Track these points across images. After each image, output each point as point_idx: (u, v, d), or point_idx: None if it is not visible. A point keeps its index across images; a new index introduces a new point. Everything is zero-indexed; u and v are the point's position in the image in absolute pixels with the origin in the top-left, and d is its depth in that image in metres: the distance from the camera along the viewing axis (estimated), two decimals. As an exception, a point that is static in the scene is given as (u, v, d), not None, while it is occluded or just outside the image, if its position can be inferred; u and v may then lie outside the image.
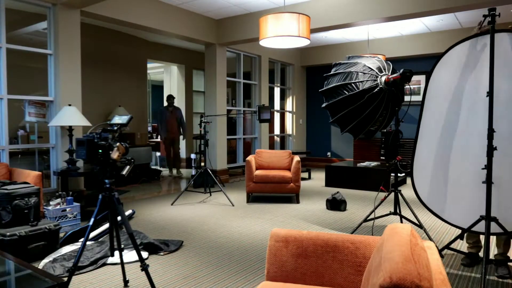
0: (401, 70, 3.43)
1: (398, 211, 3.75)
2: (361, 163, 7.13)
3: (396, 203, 3.75)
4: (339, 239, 1.82)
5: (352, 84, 3.64)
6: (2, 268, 2.07)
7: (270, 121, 6.42)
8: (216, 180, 5.86)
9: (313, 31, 6.10)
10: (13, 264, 2.07)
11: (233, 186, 7.04)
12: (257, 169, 5.79)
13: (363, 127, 3.78)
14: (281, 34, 4.08)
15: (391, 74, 3.60)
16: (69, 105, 4.70)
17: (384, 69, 3.68)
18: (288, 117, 9.90)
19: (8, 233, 3.04)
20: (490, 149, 2.78)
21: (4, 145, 4.44)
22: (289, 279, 1.87)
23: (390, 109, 3.71)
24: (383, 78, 3.59)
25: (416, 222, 3.65)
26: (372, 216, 4.41)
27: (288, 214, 4.86)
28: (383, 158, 3.49)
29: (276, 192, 5.49)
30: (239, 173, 8.57)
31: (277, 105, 9.57)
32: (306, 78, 10.28)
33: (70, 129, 4.65)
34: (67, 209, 4.07)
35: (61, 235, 3.69)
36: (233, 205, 5.37)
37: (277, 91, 9.51)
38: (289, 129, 9.91)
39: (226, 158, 7.61)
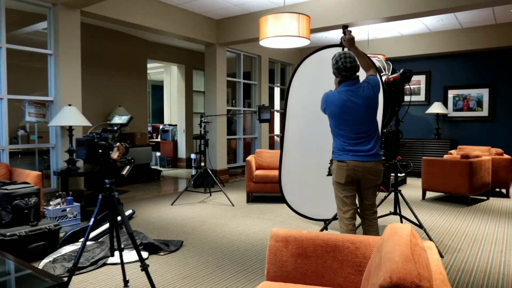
0: (401, 70, 3.43)
1: (398, 211, 3.74)
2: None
3: (396, 203, 3.75)
4: (339, 239, 1.82)
5: None
6: (2, 268, 2.07)
7: (270, 121, 6.42)
8: (216, 180, 5.86)
9: (313, 31, 6.10)
10: (13, 264, 2.07)
11: (233, 186, 7.04)
12: (257, 169, 5.79)
13: None
14: (281, 34, 4.08)
15: (391, 74, 3.60)
16: (69, 105, 4.70)
17: (384, 69, 3.68)
18: (288, 117, 9.88)
19: (8, 233, 3.04)
20: None
21: (4, 145, 4.44)
22: (289, 279, 1.87)
23: (390, 109, 3.71)
24: (383, 78, 3.58)
25: (416, 222, 3.65)
26: None
27: (288, 214, 4.86)
28: (383, 158, 3.49)
29: (276, 192, 5.49)
30: (239, 173, 8.57)
31: (277, 105, 9.57)
32: (306, 78, 10.26)
33: (70, 129, 4.65)
34: (67, 209, 4.07)
35: (61, 235, 3.69)
36: (233, 205, 5.37)
37: (277, 91, 9.51)
38: (289, 129, 9.89)
39: (226, 158, 7.61)
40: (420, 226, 3.58)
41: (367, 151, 2.78)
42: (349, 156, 2.78)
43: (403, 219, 3.75)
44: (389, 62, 3.84)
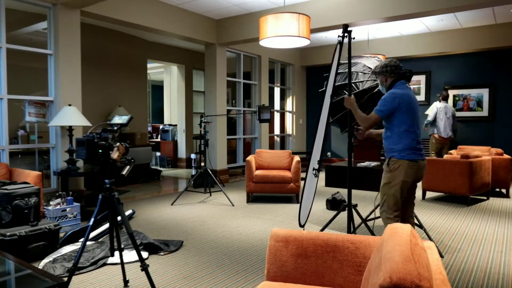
0: None
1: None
2: (361, 163, 7.14)
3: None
4: (339, 239, 1.82)
5: (352, 84, 3.61)
6: (2, 268, 2.07)
7: (270, 121, 6.42)
8: (216, 180, 5.86)
9: (313, 31, 6.10)
10: (13, 264, 2.07)
11: (233, 186, 7.04)
12: (257, 169, 5.79)
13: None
14: (281, 34, 4.08)
15: None
16: (69, 105, 4.70)
17: None
18: (288, 117, 9.90)
19: (8, 233, 3.04)
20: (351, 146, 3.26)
21: (4, 145, 4.44)
22: (289, 279, 1.87)
23: None
24: None
25: (416, 222, 3.64)
26: (372, 216, 4.41)
27: (288, 214, 4.86)
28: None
29: (276, 192, 5.49)
30: (239, 173, 8.57)
31: (277, 105, 9.57)
32: (306, 78, 10.28)
33: (70, 129, 4.65)
34: (67, 209, 4.07)
35: (61, 235, 3.69)
36: (233, 205, 5.37)
37: (277, 91, 9.51)
38: (289, 129, 9.91)
39: (226, 158, 7.61)
40: (420, 226, 3.58)
41: (423, 149, 2.93)
42: (418, 156, 2.85)
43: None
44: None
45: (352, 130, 3.36)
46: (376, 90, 3.55)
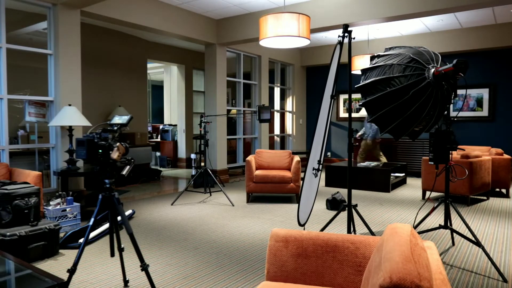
0: (454, 61, 2.97)
1: (449, 225, 3.38)
2: (361, 163, 7.14)
3: (447, 215, 3.39)
4: (339, 239, 1.82)
5: (395, 79, 3.14)
6: (2, 268, 2.07)
7: (270, 121, 6.42)
8: (216, 180, 5.86)
9: (313, 31, 6.10)
10: (13, 264, 2.07)
11: (233, 186, 7.04)
12: (257, 169, 5.79)
13: (406, 127, 3.26)
14: (281, 34, 4.08)
15: (441, 66, 3.27)
16: (69, 105, 4.70)
17: (432, 61, 3.22)
18: (288, 117, 9.90)
19: (8, 233, 3.04)
20: (351, 146, 3.25)
21: (4, 145, 4.44)
22: (289, 279, 1.87)
23: (439, 107, 3.20)
24: (431, 71, 3.09)
25: (472, 239, 3.20)
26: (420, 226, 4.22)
27: (288, 214, 4.86)
28: (432, 162, 3.31)
29: (276, 192, 5.49)
30: (239, 173, 8.57)
31: (277, 105, 9.57)
32: (306, 78, 10.28)
33: (70, 129, 4.65)
34: (67, 209, 4.07)
35: (61, 235, 3.69)
36: (233, 205, 5.37)
37: (277, 91, 9.51)
38: (289, 129, 9.91)
39: (226, 158, 7.61)
40: (477, 244, 3.09)
41: None
42: None
43: (456, 234, 3.51)
44: (437, 53, 3.48)
45: (400, 131, 3.10)
46: (423, 84, 3.08)
